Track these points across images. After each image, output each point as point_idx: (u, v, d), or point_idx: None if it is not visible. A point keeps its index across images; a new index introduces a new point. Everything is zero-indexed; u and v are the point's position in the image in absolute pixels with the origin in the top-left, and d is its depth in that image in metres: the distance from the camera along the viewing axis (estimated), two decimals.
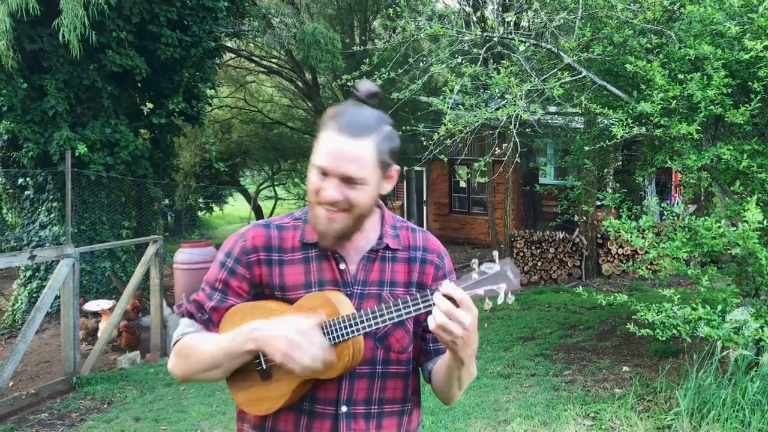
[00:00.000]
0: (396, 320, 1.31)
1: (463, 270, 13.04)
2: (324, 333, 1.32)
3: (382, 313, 1.31)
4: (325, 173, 1.33)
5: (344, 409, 1.40)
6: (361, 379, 1.41)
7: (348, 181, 1.32)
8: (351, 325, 1.31)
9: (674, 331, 3.81)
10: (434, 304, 1.24)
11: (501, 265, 1.28)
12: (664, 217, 4.85)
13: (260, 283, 1.42)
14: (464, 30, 5.44)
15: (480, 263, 1.30)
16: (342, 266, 1.42)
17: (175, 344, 1.45)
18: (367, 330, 1.32)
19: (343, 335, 1.31)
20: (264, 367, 1.37)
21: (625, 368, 5.59)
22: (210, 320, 1.43)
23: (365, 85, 1.39)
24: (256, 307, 1.41)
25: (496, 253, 1.31)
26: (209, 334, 1.42)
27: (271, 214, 21.46)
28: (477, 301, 1.27)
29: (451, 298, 1.23)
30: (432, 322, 1.25)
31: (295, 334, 1.28)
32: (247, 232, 1.45)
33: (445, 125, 5.13)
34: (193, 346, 1.40)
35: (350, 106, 1.37)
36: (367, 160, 1.33)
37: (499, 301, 1.27)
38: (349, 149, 1.31)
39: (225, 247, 1.46)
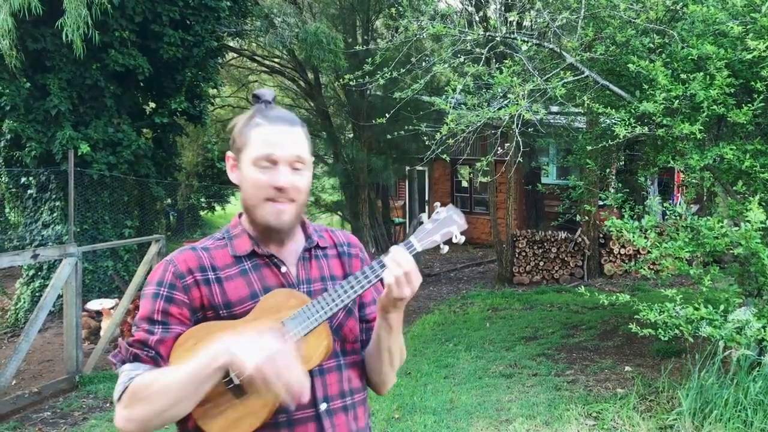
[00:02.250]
0: (360, 293, 1.36)
1: (464, 270, 13.03)
2: (299, 322, 1.33)
3: (345, 290, 1.35)
4: (272, 161, 1.36)
5: (324, 406, 1.40)
6: (331, 373, 1.43)
7: (294, 164, 1.38)
8: (321, 308, 1.34)
9: (676, 331, 3.81)
10: (398, 257, 1.33)
11: (447, 210, 1.42)
12: (666, 217, 4.84)
13: (201, 306, 1.36)
14: (467, 30, 5.44)
15: (428, 215, 1.43)
16: (284, 269, 1.43)
17: (121, 396, 1.28)
18: (340, 306, 1.35)
19: (318, 319, 1.33)
20: (236, 382, 1.24)
21: (627, 368, 5.59)
22: (158, 355, 1.31)
23: (268, 91, 1.47)
24: (209, 327, 1.32)
25: (438, 204, 1.44)
26: (164, 368, 1.30)
27: None
28: (436, 248, 1.40)
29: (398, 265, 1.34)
30: (396, 270, 1.31)
31: (273, 349, 1.19)
32: (175, 258, 1.39)
33: (447, 125, 5.13)
34: (151, 384, 1.25)
35: (266, 108, 1.43)
36: (306, 144, 1.42)
37: (454, 240, 1.40)
38: (291, 134, 1.39)
39: (153, 279, 1.37)
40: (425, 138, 5.72)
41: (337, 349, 1.44)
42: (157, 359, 1.31)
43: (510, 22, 5.95)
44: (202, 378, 1.21)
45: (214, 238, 1.47)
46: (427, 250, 1.40)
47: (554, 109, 7.09)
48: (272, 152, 1.36)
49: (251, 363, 1.16)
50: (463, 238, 1.40)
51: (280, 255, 1.44)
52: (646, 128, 4.47)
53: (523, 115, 4.89)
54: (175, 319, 1.33)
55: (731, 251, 3.99)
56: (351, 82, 6.05)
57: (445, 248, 1.40)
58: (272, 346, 1.19)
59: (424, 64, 6.35)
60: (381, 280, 1.35)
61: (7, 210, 10.41)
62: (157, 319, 1.33)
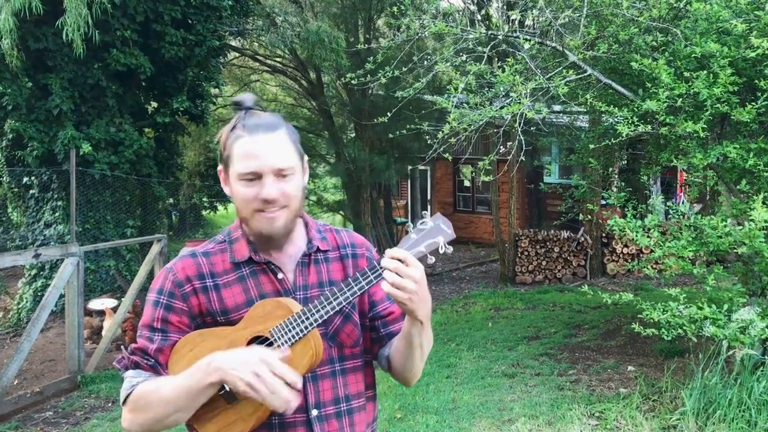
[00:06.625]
0: (351, 299, 1.32)
1: (467, 269, 13.02)
2: (285, 332, 1.32)
3: (336, 297, 1.32)
4: (257, 176, 1.34)
5: (315, 413, 1.41)
6: (324, 379, 1.43)
7: (280, 173, 1.34)
8: (308, 317, 1.31)
9: (680, 331, 3.79)
10: (383, 268, 1.28)
11: (433, 220, 1.36)
12: (669, 216, 4.83)
13: (200, 313, 1.39)
14: (469, 28, 5.42)
15: (414, 224, 1.37)
16: (280, 276, 1.42)
17: (125, 401, 1.36)
18: (328, 315, 1.32)
19: (305, 328, 1.31)
20: (228, 389, 1.30)
21: (630, 368, 5.57)
22: (157, 363, 1.37)
23: (248, 97, 1.41)
24: (203, 334, 1.36)
25: (426, 213, 1.38)
26: (162, 377, 1.36)
27: None
28: (422, 259, 1.33)
29: (397, 259, 1.29)
30: (386, 285, 1.28)
31: (259, 364, 1.23)
32: (175, 266, 1.42)
33: (449, 124, 5.11)
34: (149, 393, 1.32)
35: (246, 115, 1.38)
36: (289, 148, 1.37)
37: (441, 251, 1.34)
38: (271, 143, 1.34)
39: (155, 287, 1.42)
40: (427, 137, 5.71)
41: (333, 355, 1.44)
42: (156, 367, 1.37)
43: (512, 20, 5.94)
44: (195, 392, 1.28)
45: (216, 241, 1.48)
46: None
47: (557, 108, 7.07)
48: (255, 168, 1.33)
49: (242, 379, 1.22)
50: (450, 249, 1.34)
51: (278, 260, 1.43)
52: (649, 127, 4.45)
53: (526, 114, 4.87)
54: (174, 327, 1.38)
55: (735, 250, 3.97)
56: (353, 81, 6.04)
57: (432, 259, 1.33)
58: (259, 358, 1.23)
59: (426, 62, 6.33)
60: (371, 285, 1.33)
61: (9, 209, 10.42)
62: (156, 326, 1.38)
